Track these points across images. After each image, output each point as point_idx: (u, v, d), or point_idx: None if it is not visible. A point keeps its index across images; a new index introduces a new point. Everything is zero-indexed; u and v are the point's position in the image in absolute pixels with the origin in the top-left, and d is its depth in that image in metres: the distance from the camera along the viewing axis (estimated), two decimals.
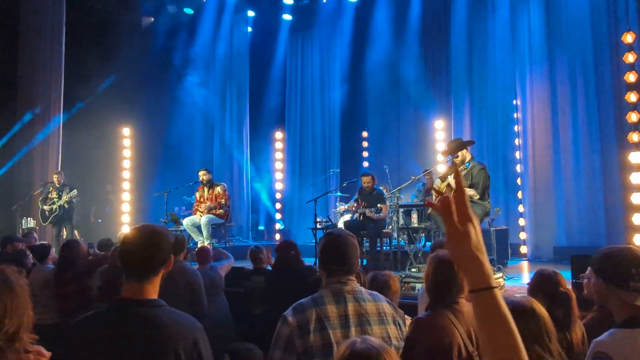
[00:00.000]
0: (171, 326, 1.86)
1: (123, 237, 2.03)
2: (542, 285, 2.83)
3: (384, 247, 7.60)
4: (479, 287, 1.10)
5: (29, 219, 9.71)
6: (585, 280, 3.16)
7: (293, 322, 2.21)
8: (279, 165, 13.16)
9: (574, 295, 2.82)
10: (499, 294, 1.10)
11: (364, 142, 12.81)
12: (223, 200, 8.59)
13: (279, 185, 13.04)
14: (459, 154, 6.19)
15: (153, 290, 1.96)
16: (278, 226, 12.71)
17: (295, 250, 4.77)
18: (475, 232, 1.13)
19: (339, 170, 12.17)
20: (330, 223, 8.24)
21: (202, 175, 8.73)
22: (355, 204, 7.91)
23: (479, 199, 6.01)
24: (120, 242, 2.05)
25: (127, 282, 1.95)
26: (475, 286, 1.10)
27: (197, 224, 8.41)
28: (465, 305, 2.47)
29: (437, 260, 2.57)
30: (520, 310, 1.86)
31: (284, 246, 4.86)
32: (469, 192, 6.00)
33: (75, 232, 9.93)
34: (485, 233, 6.65)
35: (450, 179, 6.16)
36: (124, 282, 1.96)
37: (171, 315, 1.93)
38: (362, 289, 2.40)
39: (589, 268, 3.19)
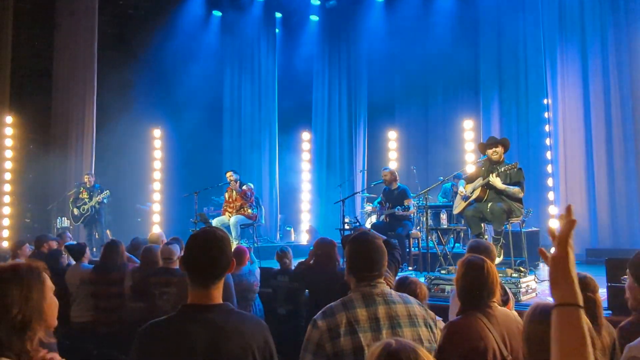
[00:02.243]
0: (245, 330, 1.94)
1: (187, 245, 2.05)
2: None
3: (413, 249, 7.56)
4: (568, 302, 1.21)
5: (63, 218, 9.95)
6: (627, 283, 3.08)
7: (323, 326, 2.21)
8: (306, 165, 13.19)
9: (599, 301, 2.75)
10: (583, 314, 1.21)
11: (391, 142, 12.76)
12: (247, 205, 8.63)
13: (306, 186, 13.07)
14: (497, 151, 6.06)
15: (219, 294, 2.00)
16: (305, 226, 12.74)
17: (330, 250, 4.70)
18: (571, 254, 1.26)
19: (366, 170, 12.14)
20: (358, 224, 8.23)
21: (229, 176, 8.79)
22: (378, 207, 7.91)
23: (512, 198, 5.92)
24: (185, 250, 2.08)
25: (194, 288, 1.98)
26: (564, 300, 1.22)
27: (225, 224, 8.48)
28: (498, 309, 2.44)
29: (467, 263, 2.54)
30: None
31: (319, 245, 4.79)
32: (514, 189, 5.88)
33: (108, 231, 10.13)
34: (516, 235, 6.55)
35: (493, 179, 5.97)
36: (190, 288, 1.99)
37: (242, 318, 2.00)
38: (392, 291, 2.39)
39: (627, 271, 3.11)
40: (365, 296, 2.29)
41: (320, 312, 2.30)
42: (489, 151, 6.11)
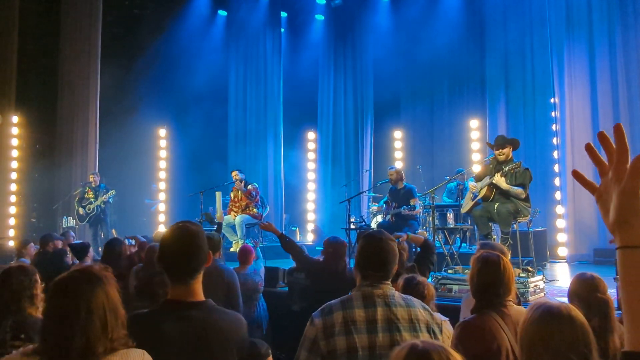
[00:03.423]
0: (225, 327, 1.97)
1: (162, 242, 2.04)
2: (579, 290, 2.69)
3: (419, 248, 7.51)
4: None
5: (68, 218, 9.96)
6: None
7: (319, 324, 2.19)
8: (311, 165, 13.17)
9: (612, 302, 2.69)
10: None
11: (397, 142, 12.71)
12: (252, 205, 8.61)
13: (311, 186, 13.05)
14: (504, 152, 6.04)
15: (200, 289, 2.01)
16: (311, 226, 12.72)
17: (340, 249, 4.66)
18: None
19: (371, 170, 12.10)
20: (364, 223, 8.19)
21: (235, 175, 8.79)
22: (384, 206, 7.87)
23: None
24: (160, 247, 2.07)
25: (174, 285, 1.99)
26: (637, 242, 1.04)
27: (231, 223, 8.48)
28: (513, 308, 2.39)
29: (484, 260, 2.46)
30: (554, 315, 1.76)
31: (331, 244, 4.76)
32: (516, 190, 5.85)
33: (113, 230, 10.13)
34: (524, 234, 6.50)
35: (498, 178, 5.95)
36: (169, 284, 2.00)
37: (222, 315, 2.03)
38: (396, 293, 2.32)
39: None
40: (365, 296, 2.24)
41: (319, 309, 2.27)
42: (496, 152, 6.11)
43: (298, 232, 12.59)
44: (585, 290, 2.63)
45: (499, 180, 5.87)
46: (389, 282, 2.32)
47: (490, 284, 2.39)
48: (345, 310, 2.20)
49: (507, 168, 5.92)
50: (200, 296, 2.00)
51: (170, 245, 2.01)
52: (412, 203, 7.31)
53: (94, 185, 9.74)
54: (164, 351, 1.84)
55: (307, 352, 2.18)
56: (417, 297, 2.82)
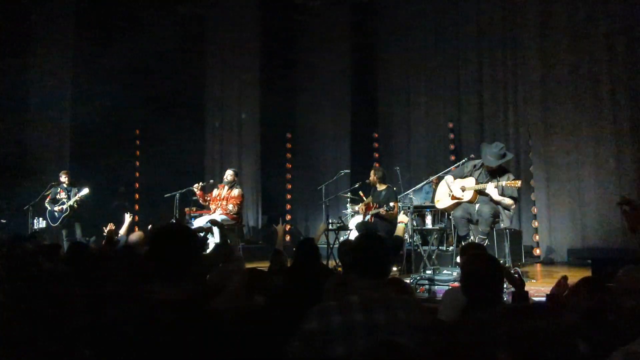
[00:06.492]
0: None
1: (151, 243, 2.06)
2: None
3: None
4: None
5: (40, 219, 9.70)
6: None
7: (316, 327, 2.10)
8: (289, 166, 13.10)
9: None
10: None
11: (374, 143, 12.71)
12: (232, 204, 8.47)
13: (289, 187, 12.98)
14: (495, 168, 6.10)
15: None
16: (288, 227, 12.63)
17: (314, 250, 4.60)
18: None
19: (349, 171, 12.07)
20: (342, 224, 8.17)
21: (229, 175, 8.67)
22: (364, 206, 7.85)
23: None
24: (149, 247, 2.10)
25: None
26: None
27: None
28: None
29: (480, 258, 2.50)
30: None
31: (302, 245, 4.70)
32: (507, 202, 5.90)
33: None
34: (500, 235, 6.55)
35: (491, 189, 5.96)
36: (157, 282, 2.00)
37: None
38: (394, 295, 2.29)
39: None
40: (364, 300, 2.16)
41: (316, 309, 2.18)
42: (486, 166, 6.12)
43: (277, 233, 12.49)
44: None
45: (492, 191, 5.92)
46: (386, 283, 2.31)
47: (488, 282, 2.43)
48: (343, 315, 2.11)
49: (504, 183, 5.92)
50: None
51: (158, 245, 2.03)
52: (390, 204, 7.29)
53: (65, 185, 9.51)
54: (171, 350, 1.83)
55: (301, 343, 2.09)
56: None
